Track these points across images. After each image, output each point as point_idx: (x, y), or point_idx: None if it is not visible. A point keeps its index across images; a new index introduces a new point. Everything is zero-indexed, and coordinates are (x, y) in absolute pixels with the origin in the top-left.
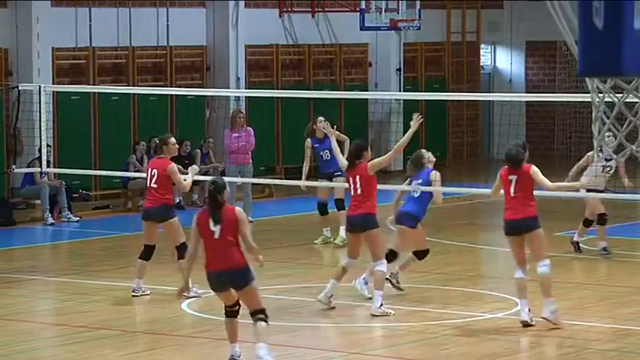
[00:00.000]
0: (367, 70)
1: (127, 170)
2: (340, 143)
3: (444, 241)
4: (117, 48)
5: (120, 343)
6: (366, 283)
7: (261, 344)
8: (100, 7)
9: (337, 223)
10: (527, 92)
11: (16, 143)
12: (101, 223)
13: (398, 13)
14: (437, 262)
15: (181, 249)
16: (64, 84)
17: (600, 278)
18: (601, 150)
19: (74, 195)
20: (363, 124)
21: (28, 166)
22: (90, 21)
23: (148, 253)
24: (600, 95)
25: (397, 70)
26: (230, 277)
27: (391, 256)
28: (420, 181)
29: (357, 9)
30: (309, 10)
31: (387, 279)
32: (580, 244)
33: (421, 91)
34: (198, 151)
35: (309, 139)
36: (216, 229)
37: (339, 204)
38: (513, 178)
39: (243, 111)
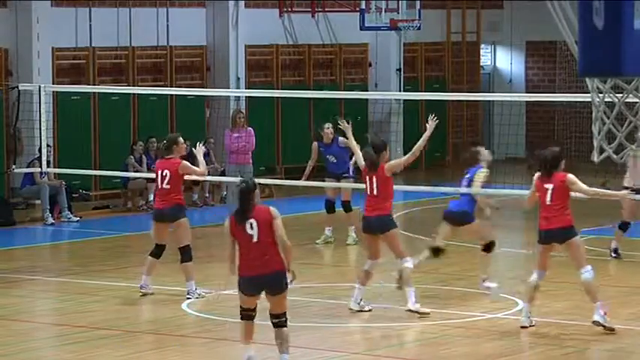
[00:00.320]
0: (367, 70)
1: (126, 171)
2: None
3: (443, 241)
4: (117, 48)
5: (120, 343)
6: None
7: (285, 356)
8: (100, 7)
9: (341, 222)
10: (527, 92)
11: (16, 143)
12: (101, 223)
13: (398, 13)
14: (437, 262)
15: (185, 251)
16: (64, 84)
17: (601, 278)
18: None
19: (74, 195)
20: (363, 124)
21: (28, 166)
22: (90, 21)
23: (159, 251)
24: (600, 95)
25: (397, 70)
26: (268, 282)
27: (438, 252)
28: (468, 175)
29: (357, 9)
30: (309, 10)
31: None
32: (618, 250)
33: (421, 91)
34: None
35: (315, 143)
36: (253, 232)
37: (346, 206)
38: (549, 186)
39: (244, 111)
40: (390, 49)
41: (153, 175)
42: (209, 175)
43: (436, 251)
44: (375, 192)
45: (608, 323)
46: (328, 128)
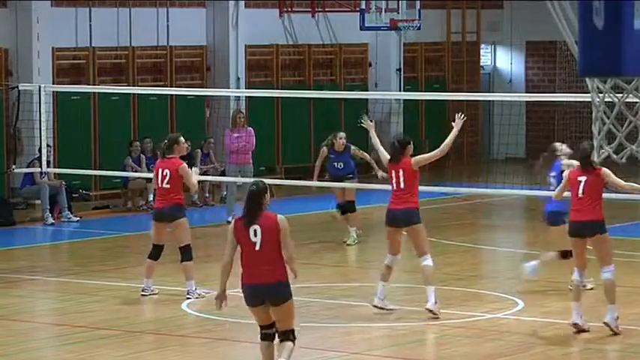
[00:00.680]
0: (367, 70)
1: (126, 171)
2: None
3: (443, 241)
4: (117, 48)
5: (120, 343)
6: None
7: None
8: (100, 7)
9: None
10: (527, 92)
11: (16, 143)
12: (101, 223)
13: (398, 13)
14: (437, 262)
15: (185, 251)
16: (64, 84)
17: (600, 279)
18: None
19: (74, 195)
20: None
21: (28, 166)
22: (90, 21)
23: (156, 252)
24: (600, 95)
25: (397, 70)
26: (268, 291)
27: (569, 255)
28: (554, 173)
29: (357, 9)
30: (309, 10)
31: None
32: None
33: (421, 91)
34: (199, 151)
35: (325, 149)
36: (256, 239)
37: (351, 206)
38: (583, 179)
39: (244, 111)
40: (390, 49)
41: (152, 175)
42: (209, 175)
43: (565, 255)
44: (401, 185)
45: (617, 329)
46: (341, 138)
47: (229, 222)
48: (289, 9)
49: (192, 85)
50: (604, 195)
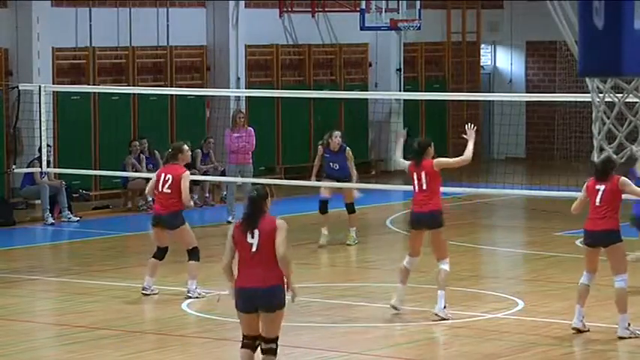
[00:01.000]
0: (367, 70)
1: (126, 171)
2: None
3: None
4: (117, 48)
5: (120, 343)
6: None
7: None
8: (100, 7)
9: (335, 223)
10: (527, 92)
11: (16, 143)
12: (101, 223)
13: (398, 13)
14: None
15: (193, 252)
16: (64, 84)
17: (601, 278)
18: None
19: (74, 195)
20: (363, 124)
21: (28, 166)
22: (90, 21)
23: (161, 253)
24: (600, 95)
25: (397, 70)
26: (262, 296)
27: None
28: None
29: (357, 9)
30: (309, 10)
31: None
32: None
33: (421, 91)
34: (199, 151)
35: (321, 148)
36: (253, 241)
37: (350, 207)
38: (601, 187)
39: (244, 111)
40: (390, 49)
41: (151, 175)
42: (209, 174)
43: None
44: (423, 187)
45: (634, 334)
46: (337, 137)
47: (229, 222)
48: (289, 9)
49: (192, 85)
50: None
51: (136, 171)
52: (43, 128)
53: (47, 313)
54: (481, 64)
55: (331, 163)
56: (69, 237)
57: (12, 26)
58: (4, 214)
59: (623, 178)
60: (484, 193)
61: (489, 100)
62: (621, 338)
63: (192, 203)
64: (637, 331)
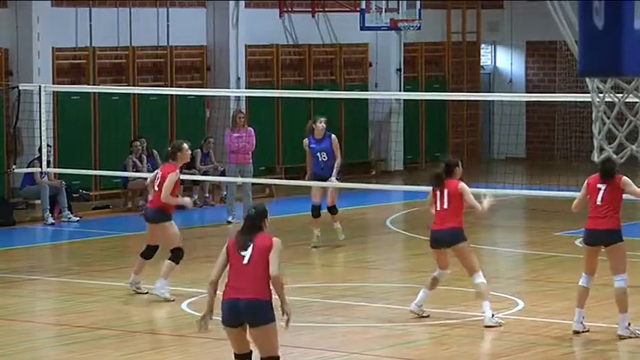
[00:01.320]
0: (367, 70)
1: (126, 171)
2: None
3: None
4: (117, 48)
5: (120, 343)
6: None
7: None
8: (100, 7)
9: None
10: (527, 92)
11: (16, 143)
12: (101, 223)
13: (398, 13)
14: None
15: (176, 253)
16: (64, 84)
17: (600, 278)
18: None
19: (74, 195)
20: (363, 124)
21: (28, 166)
22: (90, 21)
23: (149, 251)
24: (600, 95)
25: (397, 70)
26: (247, 308)
27: None
28: None
29: (357, 9)
30: (309, 10)
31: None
32: None
33: (421, 91)
34: (199, 151)
35: (306, 140)
36: (246, 253)
37: (332, 209)
38: (602, 186)
39: (244, 111)
40: (390, 49)
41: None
42: (209, 174)
43: None
44: (445, 205)
45: (634, 334)
46: (321, 122)
47: (229, 222)
48: (289, 9)
49: (192, 85)
50: None
51: (137, 170)
52: (43, 128)
53: (47, 313)
54: (481, 64)
55: (319, 154)
56: (69, 237)
57: (12, 26)
58: (4, 214)
59: (624, 177)
60: (484, 193)
61: (489, 100)
62: (621, 337)
63: (176, 201)
64: (637, 331)
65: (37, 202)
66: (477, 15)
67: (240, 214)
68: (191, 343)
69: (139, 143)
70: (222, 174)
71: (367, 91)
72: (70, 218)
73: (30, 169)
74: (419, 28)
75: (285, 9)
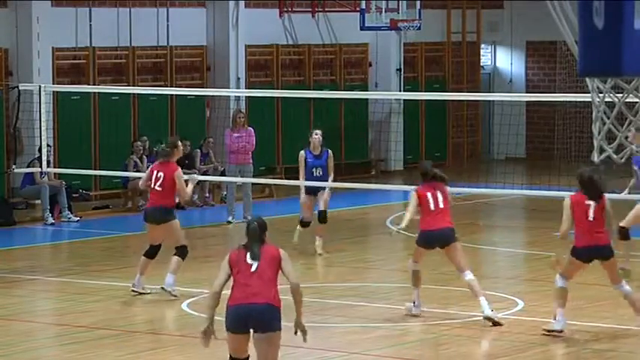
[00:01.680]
0: (367, 70)
1: (126, 171)
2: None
3: None
4: (117, 48)
5: (120, 343)
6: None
7: None
8: (100, 7)
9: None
10: (527, 92)
11: (16, 143)
12: (101, 223)
13: (398, 13)
14: (437, 262)
15: (181, 250)
16: (64, 84)
17: (600, 278)
18: (601, 150)
19: (74, 195)
20: (363, 124)
21: (28, 166)
22: (90, 21)
23: (152, 250)
24: (600, 95)
25: (397, 70)
26: (256, 313)
27: None
28: (636, 167)
29: (357, 9)
30: (309, 10)
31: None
32: None
33: (421, 91)
34: (198, 151)
35: (303, 152)
36: (253, 262)
37: (322, 215)
38: (591, 203)
39: (244, 111)
40: (390, 49)
41: None
42: (208, 174)
43: None
44: (440, 205)
45: None
46: (317, 134)
47: (229, 222)
48: (289, 9)
49: (192, 85)
50: None
51: (138, 170)
52: (43, 128)
53: (47, 313)
54: (481, 64)
55: (314, 169)
56: (69, 237)
57: (12, 26)
58: (4, 214)
59: (606, 195)
60: (484, 193)
61: (489, 100)
62: None
63: (190, 196)
64: None
65: (37, 202)
66: (477, 15)
67: (240, 214)
68: (191, 344)
69: (140, 143)
70: (222, 174)
71: (367, 91)
72: (70, 218)
73: (30, 169)
74: (419, 28)
75: (285, 9)
